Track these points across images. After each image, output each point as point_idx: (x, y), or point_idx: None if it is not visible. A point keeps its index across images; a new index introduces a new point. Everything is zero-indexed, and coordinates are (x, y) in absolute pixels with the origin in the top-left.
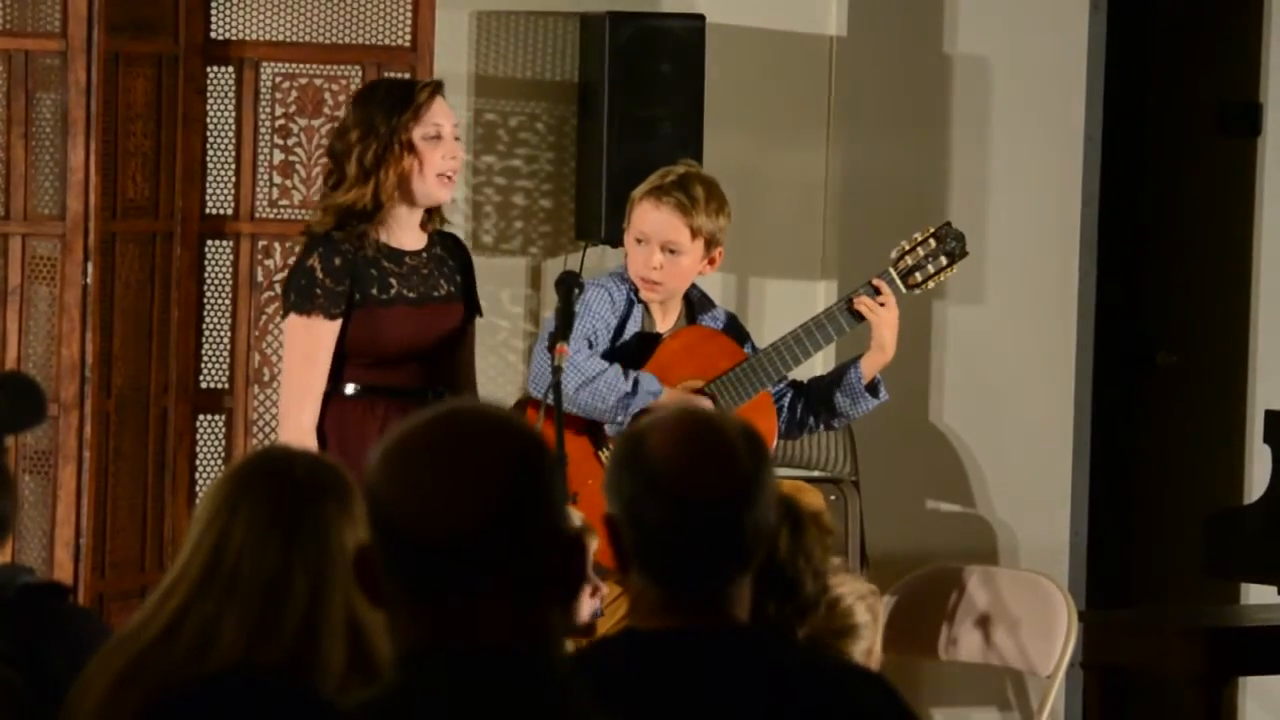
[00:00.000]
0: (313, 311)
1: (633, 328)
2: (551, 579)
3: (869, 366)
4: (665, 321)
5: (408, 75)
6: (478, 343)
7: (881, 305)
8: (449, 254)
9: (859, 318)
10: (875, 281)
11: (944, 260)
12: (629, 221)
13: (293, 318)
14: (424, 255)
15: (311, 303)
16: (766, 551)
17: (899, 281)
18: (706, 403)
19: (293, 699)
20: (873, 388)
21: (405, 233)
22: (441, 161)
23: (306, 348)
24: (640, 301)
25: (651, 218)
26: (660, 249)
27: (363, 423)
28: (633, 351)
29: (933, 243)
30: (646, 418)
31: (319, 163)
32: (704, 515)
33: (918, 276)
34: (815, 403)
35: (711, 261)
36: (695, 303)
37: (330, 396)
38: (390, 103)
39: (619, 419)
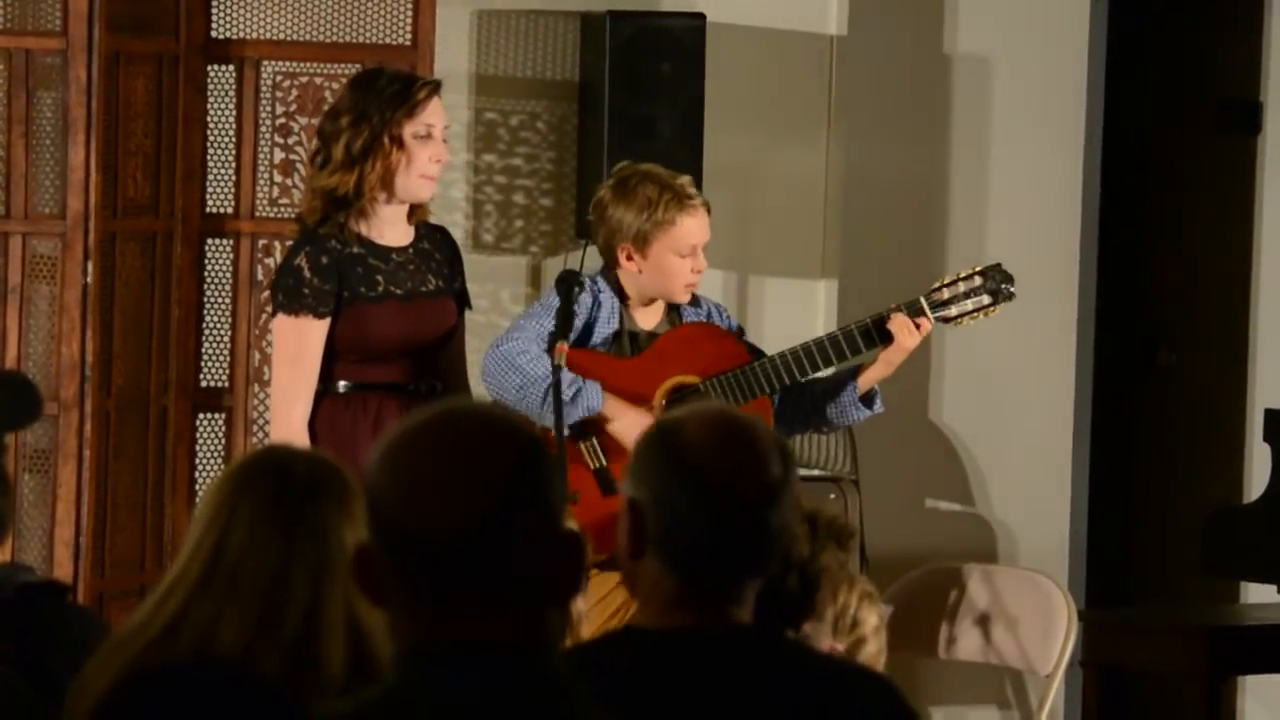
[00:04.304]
0: (300, 311)
1: (609, 327)
2: (550, 578)
3: (867, 379)
4: (650, 319)
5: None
6: (478, 341)
7: (918, 328)
8: (436, 248)
9: (886, 338)
10: (922, 314)
11: (986, 299)
12: (661, 238)
13: (280, 318)
14: (410, 251)
15: (299, 302)
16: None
17: (927, 310)
18: (648, 419)
19: (244, 688)
20: (868, 399)
21: (390, 228)
22: (427, 163)
23: (295, 347)
24: (619, 299)
25: (698, 227)
26: (701, 251)
27: (355, 420)
28: (623, 348)
29: (977, 279)
30: (683, 409)
31: None
32: (734, 509)
33: (953, 310)
34: (806, 407)
35: None
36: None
37: (322, 395)
38: (387, 95)
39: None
